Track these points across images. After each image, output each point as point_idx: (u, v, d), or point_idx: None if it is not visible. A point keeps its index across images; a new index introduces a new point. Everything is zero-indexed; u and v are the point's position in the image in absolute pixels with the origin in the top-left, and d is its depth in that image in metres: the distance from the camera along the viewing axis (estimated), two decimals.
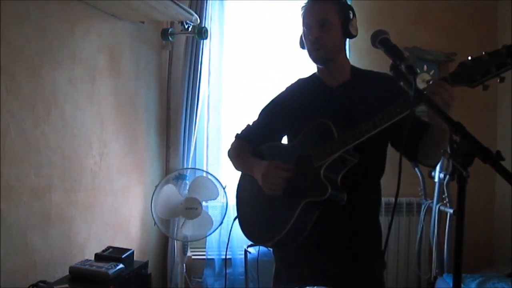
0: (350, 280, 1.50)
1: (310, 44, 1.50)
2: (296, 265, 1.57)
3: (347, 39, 1.55)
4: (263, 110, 1.70)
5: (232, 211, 2.77)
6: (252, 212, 1.63)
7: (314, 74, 1.63)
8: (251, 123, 1.72)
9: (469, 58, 1.15)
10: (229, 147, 1.76)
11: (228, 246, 2.91)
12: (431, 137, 1.37)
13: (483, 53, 1.13)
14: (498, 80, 1.13)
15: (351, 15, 1.50)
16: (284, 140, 1.70)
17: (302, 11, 1.53)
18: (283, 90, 1.68)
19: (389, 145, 1.57)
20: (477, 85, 1.15)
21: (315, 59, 1.53)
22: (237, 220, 1.68)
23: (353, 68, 1.59)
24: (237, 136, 1.74)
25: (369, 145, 1.36)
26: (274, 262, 1.69)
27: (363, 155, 1.40)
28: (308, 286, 1.25)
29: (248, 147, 1.67)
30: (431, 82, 1.21)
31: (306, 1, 1.53)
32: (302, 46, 1.57)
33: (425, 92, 1.16)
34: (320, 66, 1.57)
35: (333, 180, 1.39)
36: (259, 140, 1.66)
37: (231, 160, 1.73)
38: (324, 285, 1.27)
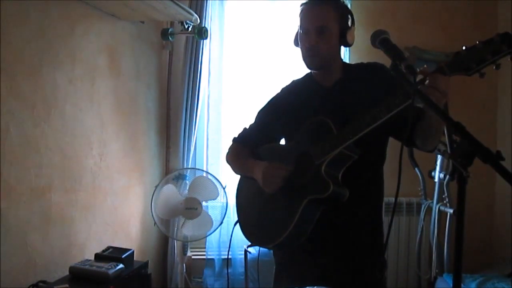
0: (351, 281, 1.50)
1: (306, 50, 1.48)
2: (296, 266, 1.57)
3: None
4: (259, 112, 1.70)
5: (232, 211, 2.77)
6: (253, 214, 1.62)
7: (308, 74, 1.61)
8: (247, 126, 1.71)
9: (464, 47, 1.17)
10: (227, 151, 1.74)
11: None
12: (428, 122, 1.36)
13: (477, 42, 1.15)
14: (494, 67, 1.15)
15: (350, 23, 1.48)
16: (282, 142, 1.68)
17: (301, 10, 1.49)
18: (279, 91, 1.67)
19: (389, 143, 1.55)
20: (473, 73, 1.16)
21: (309, 65, 1.52)
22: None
23: (345, 65, 1.58)
24: (234, 139, 1.73)
25: (369, 140, 1.35)
26: (274, 262, 1.69)
27: (363, 150, 1.38)
28: (309, 286, 1.25)
29: (246, 150, 1.66)
30: (426, 82, 1.21)
31: (306, 1, 1.50)
32: (297, 44, 1.54)
33: (419, 88, 1.16)
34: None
35: (334, 176, 1.38)
36: (256, 143, 1.65)
37: (229, 164, 1.72)
38: (325, 286, 1.27)
